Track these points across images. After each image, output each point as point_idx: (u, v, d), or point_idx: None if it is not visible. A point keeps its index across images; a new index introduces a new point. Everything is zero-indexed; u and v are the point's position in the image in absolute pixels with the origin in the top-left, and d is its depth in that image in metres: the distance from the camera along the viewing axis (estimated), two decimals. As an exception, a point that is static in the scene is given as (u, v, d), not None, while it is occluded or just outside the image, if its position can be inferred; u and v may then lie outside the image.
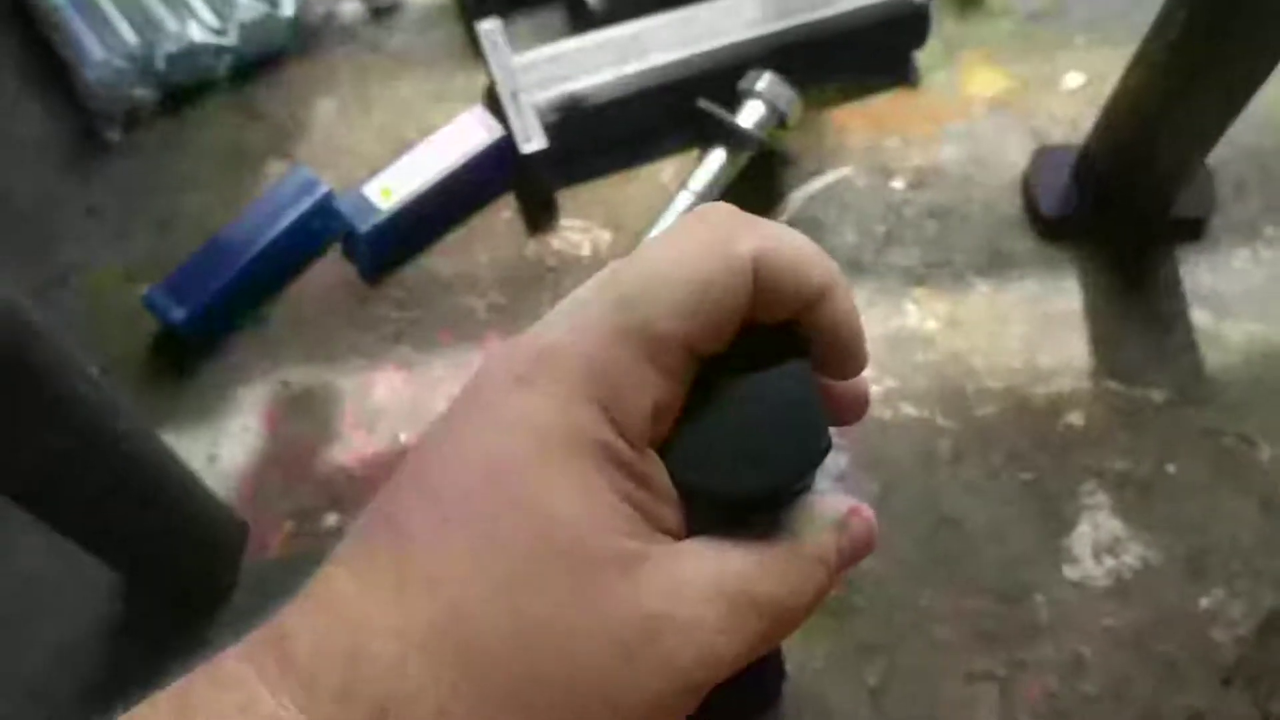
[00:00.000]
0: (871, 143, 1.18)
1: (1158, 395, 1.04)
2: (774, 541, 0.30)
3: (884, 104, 1.20)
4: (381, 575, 0.28)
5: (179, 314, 1.05)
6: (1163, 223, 1.11)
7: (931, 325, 1.07)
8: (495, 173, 1.14)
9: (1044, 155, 1.14)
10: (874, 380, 1.03)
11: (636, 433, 0.29)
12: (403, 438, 1.03)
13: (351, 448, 1.03)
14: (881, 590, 0.95)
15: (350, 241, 1.12)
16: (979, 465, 1.01)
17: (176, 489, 0.91)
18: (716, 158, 1.10)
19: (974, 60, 1.23)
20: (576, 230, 1.13)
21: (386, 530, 0.28)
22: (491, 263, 1.12)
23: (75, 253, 1.14)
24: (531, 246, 1.13)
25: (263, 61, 1.24)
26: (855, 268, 1.10)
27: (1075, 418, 1.03)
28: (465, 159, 1.12)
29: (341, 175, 1.15)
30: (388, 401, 1.05)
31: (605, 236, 1.13)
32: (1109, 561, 0.97)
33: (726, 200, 0.32)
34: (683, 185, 1.09)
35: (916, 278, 1.10)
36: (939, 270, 1.10)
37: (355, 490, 1.00)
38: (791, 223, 1.11)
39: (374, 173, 1.12)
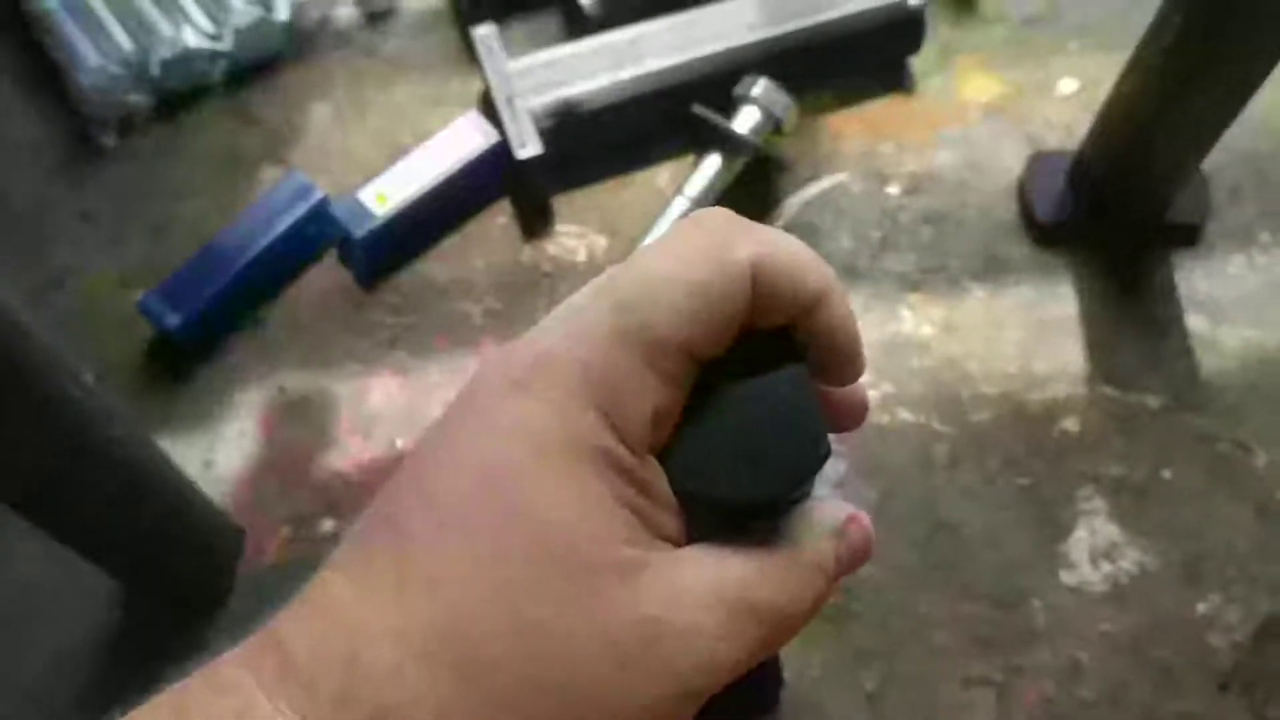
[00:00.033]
0: (867, 148, 1.18)
1: (1153, 401, 1.04)
2: (773, 548, 0.30)
3: (879, 110, 1.21)
4: (379, 580, 0.27)
5: (174, 320, 1.05)
6: (1158, 228, 1.11)
7: (927, 331, 1.07)
8: (491, 178, 1.14)
9: (1039, 161, 1.14)
10: (870, 385, 1.03)
11: (636, 439, 0.29)
12: (399, 443, 1.03)
13: (348, 453, 1.03)
14: (878, 596, 0.95)
15: (346, 247, 1.12)
16: (975, 471, 1.01)
17: (173, 495, 0.91)
18: (712, 163, 1.10)
19: (969, 66, 1.23)
20: (572, 236, 1.13)
21: (384, 535, 0.28)
22: (487, 268, 1.12)
23: (70, 258, 1.14)
24: (527, 252, 1.13)
25: (258, 67, 1.24)
26: (851, 273, 1.10)
27: (1071, 423, 1.03)
28: (461, 164, 1.12)
29: (337, 180, 1.15)
30: (384, 407, 1.05)
31: (601, 242, 1.13)
32: (1106, 567, 0.97)
33: (722, 205, 0.32)
34: (678, 191, 1.10)
35: (912, 283, 1.10)
36: (934, 276, 1.10)
37: (351, 495, 1.00)
38: (787, 228, 1.11)
39: (369, 178, 1.12)
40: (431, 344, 1.08)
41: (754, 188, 1.14)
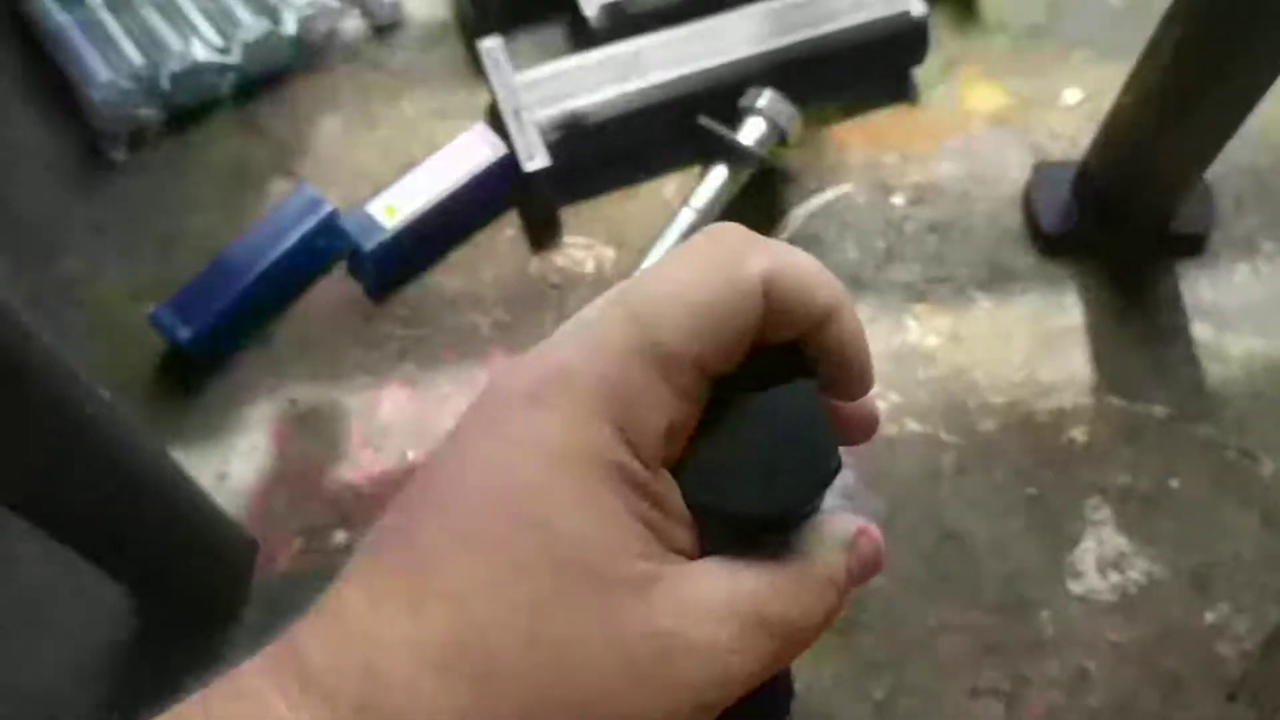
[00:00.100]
0: (871, 159, 1.18)
1: (1159, 410, 1.04)
2: (785, 562, 0.30)
3: (884, 120, 1.21)
4: (395, 592, 0.27)
5: (185, 333, 1.05)
6: (1162, 238, 1.11)
7: (933, 341, 1.08)
8: (498, 190, 1.14)
9: (1043, 171, 1.14)
10: (877, 396, 1.03)
11: (651, 453, 0.29)
12: (410, 455, 1.03)
13: (359, 465, 1.03)
14: (887, 607, 0.96)
15: (355, 259, 1.12)
16: (983, 481, 1.01)
17: (187, 507, 0.91)
18: (718, 175, 1.10)
19: (972, 77, 1.23)
20: (580, 247, 1.14)
21: (398, 547, 0.28)
22: (495, 280, 1.12)
23: (81, 271, 1.14)
24: (535, 264, 1.13)
25: (266, 80, 1.25)
26: (856, 284, 1.10)
27: (1078, 433, 1.03)
28: (469, 177, 1.13)
29: (345, 193, 1.15)
30: (394, 419, 1.05)
31: (609, 254, 1.13)
32: (1114, 576, 0.97)
33: (727, 217, 0.32)
34: (684, 202, 1.10)
35: (918, 293, 1.10)
36: (940, 286, 1.11)
37: (363, 507, 1.00)
38: (793, 239, 1.11)
39: (378, 190, 1.13)
40: (441, 356, 1.09)
41: (759, 199, 1.14)
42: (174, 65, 1.19)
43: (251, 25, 1.21)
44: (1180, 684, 0.92)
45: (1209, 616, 0.95)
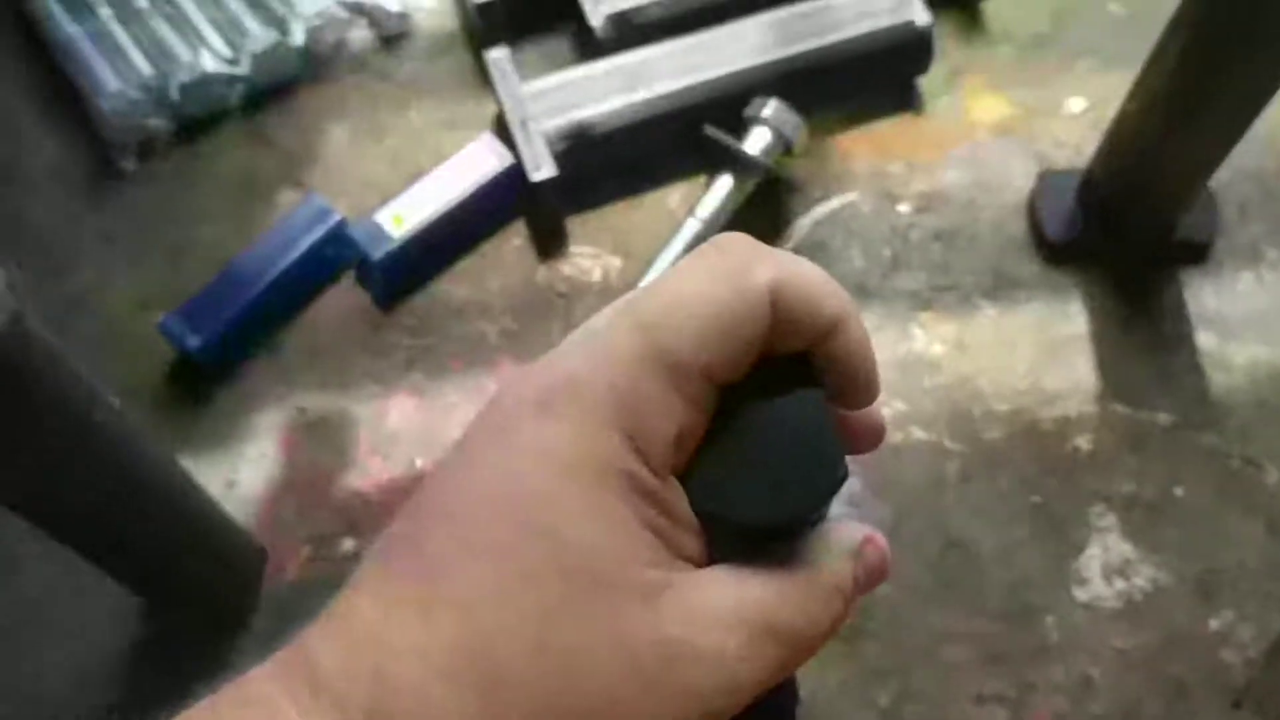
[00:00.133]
0: (876, 168, 1.19)
1: (1164, 418, 1.04)
2: (792, 570, 0.30)
3: (888, 130, 1.21)
4: (404, 599, 0.28)
5: (195, 341, 1.06)
6: (1167, 246, 1.11)
7: (938, 349, 1.08)
8: (505, 200, 1.15)
9: (1048, 180, 1.14)
10: (882, 404, 1.03)
11: (660, 461, 0.29)
12: (418, 463, 1.04)
13: (367, 473, 1.04)
14: (892, 614, 0.96)
15: (363, 269, 1.13)
16: (988, 488, 1.01)
17: (196, 514, 0.92)
18: (724, 184, 1.11)
19: (977, 86, 1.24)
20: (586, 257, 1.14)
21: (408, 555, 0.29)
22: (503, 289, 1.13)
23: (91, 280, 1.15)
24: (542, 273, 1.14)
25: (275, 90, 1.25)
26: (862, 292, 1.10)
27: (1083, 441, 1.03)
28: (476, 186, 1.13)
29: (353, 203, 1.16)
30: (402, 427, 1.06)
31: (615, 263, 1.14)
32: (1119, 583, 0.97)
33: (733, 226, 0.33)
34: (690, 212, 1.10)
35: (923, 301, 1.11)
36: (945, 294, 1.11)
37: (371, 515, 1.01)
38: (798, 248, 1.12)
39: (386, 200, 1.13)
40: (448, 364, 1.09)
41: (765, 208, 1.15)
42: (183, 76, 1.20)
43: (260, 36, 1.22)
44: (1185, 691, 0.93)
45: (1213, 624, 0.95)
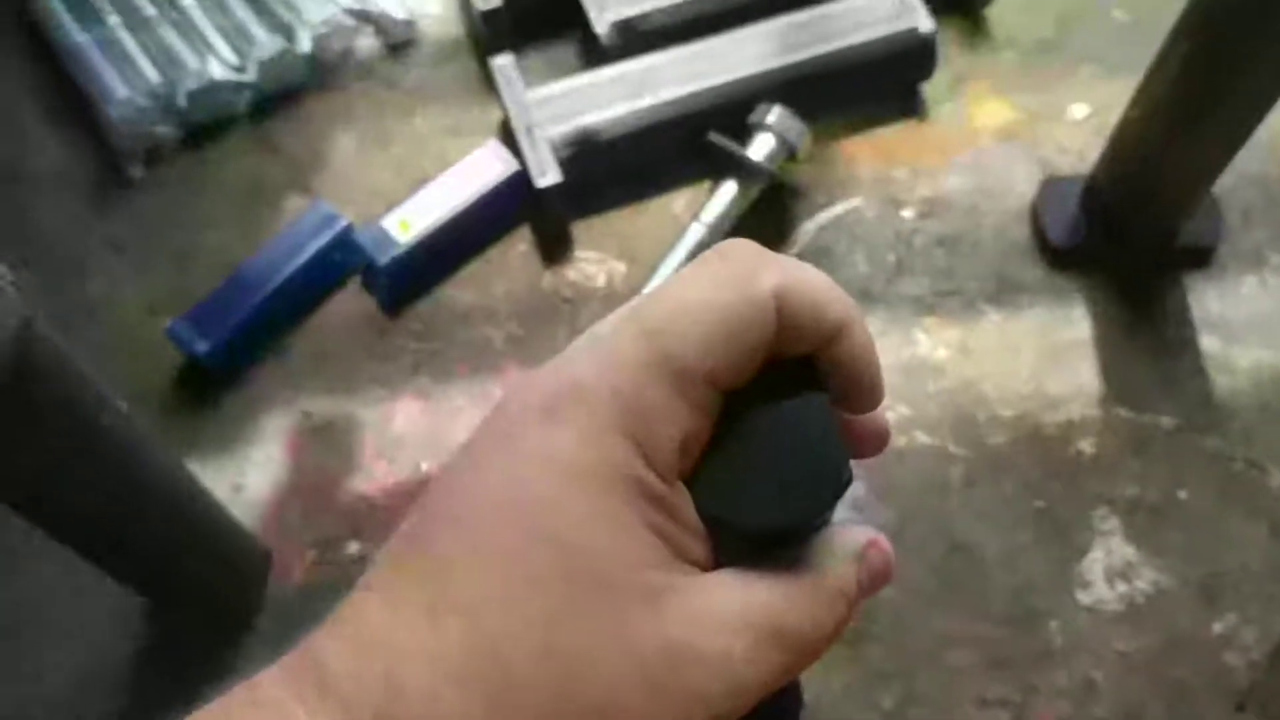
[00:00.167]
0: (880, 174, 1.19)
1: (1167, 422, 1.04)
2: (797, 574, 0.31)
3: (892, 136, 1.22)
4: (412, 602, 0.28)
5: (202, 346, 1.06)
6: (1170, 251, 1.12)
7: (942, 354, 1.08)
8: (511, 206, 1.16)
9: (1051, 185, 1.15)
10: (887, 408, 1.03)
11: (665, 466, 0.29)
12: (424, 467, 1.04)
13: (372, 477, 1.04)
14: (896, 618, 0.96)
15: (369, 274, 1.14)
16: (991, 492, 1.02)
17: (202, 518, 0.92)
18: (728, 190, 1.11)
19: (980, 92, 1.24)
20: (591, 262, 1.15)
21: (415, 559, 0.29)
22: (508, 294, 1.13)
23: (98, 286, 1.15)
24: (547, 278, 1.14)
25: (282, 97, 1.26)
26: (866, 297, 1.11)
27: (1086, 445, 1.03)
28: (482, 192, 1.14)
29: (360, 209, 1.16)
30: (407, 432, 1.06)
31: (620, 268, 1.14)
32: (1122, 587, 0.97)
33: (738, 232, 0.33)
34: (694, 217, 1.11)
35: (927, 306, 1.11)
36: (949, 299, 1.11)
37: (376, 519, 1.01)
38: (802, 254, 1.12)
39: (392, 206, 1.14)
40: (454, 369, 1.10)
41: (769, 214, 1.15)
42: (191, 83, 1.21)
43: (267, 43, 1.23)
44: (1188, 694, 0.93)
45: (1216, 627, 0.95)
